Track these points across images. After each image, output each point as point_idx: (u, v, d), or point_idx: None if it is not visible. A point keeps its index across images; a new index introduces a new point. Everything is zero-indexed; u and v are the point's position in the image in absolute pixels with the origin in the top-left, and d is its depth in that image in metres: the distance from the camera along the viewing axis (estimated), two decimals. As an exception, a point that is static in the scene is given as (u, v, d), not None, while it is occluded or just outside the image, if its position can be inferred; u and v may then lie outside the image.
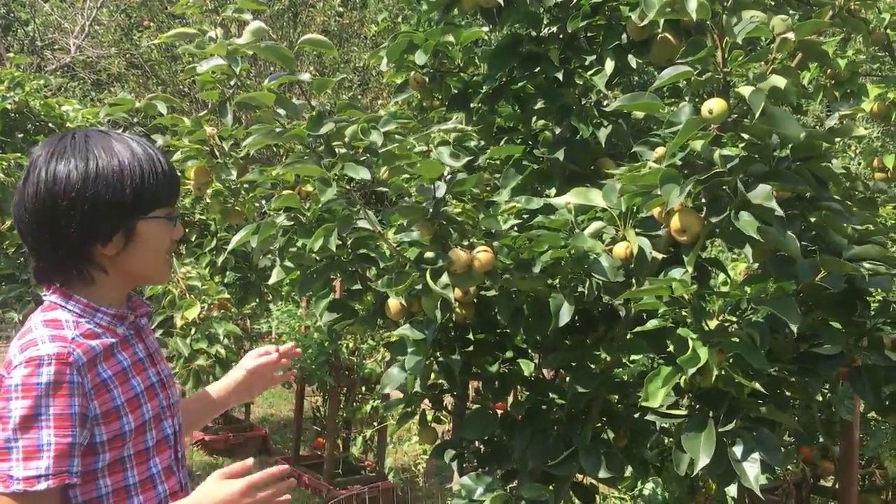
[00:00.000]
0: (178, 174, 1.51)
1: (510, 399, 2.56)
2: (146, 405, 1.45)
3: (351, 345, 5.12)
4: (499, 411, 2.34)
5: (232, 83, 2.14)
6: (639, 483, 3.98)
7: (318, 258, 2.24)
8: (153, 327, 3.68)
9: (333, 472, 5.23)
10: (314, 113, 1.80)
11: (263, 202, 2.66)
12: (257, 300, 4.63)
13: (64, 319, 1.39)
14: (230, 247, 2.22)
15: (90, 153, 1.39)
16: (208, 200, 2.59)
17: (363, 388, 5.33)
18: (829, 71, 3.47)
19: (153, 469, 1.46)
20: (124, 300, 1.51)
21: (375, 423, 5.26)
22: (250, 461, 1.43)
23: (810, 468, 3.60)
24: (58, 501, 1.34)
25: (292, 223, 2.19)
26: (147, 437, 1.45)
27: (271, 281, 2.36)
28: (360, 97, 10.46)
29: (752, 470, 1.75)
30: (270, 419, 7.36)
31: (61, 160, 1.38)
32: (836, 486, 3.37)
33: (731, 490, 3.60)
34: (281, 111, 1.90)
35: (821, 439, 3.29)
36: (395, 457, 5.81)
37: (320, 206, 2.05)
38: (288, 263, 2.29)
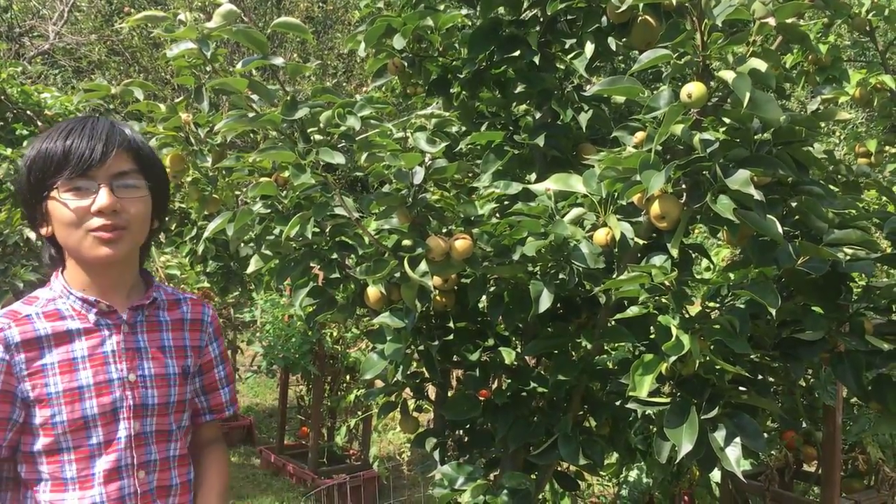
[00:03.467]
0: (100, 147, 1.41)
1: (493, 387, 2.54)
2: (91, 400, 1.40)
3: (335, 333, 5.10)
4: (482, 399, 2.32)
5: (208, 69, 2.10)
6: (624, 469, 3.99)
7: (296, 246, 2.21)
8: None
9: (318, 462, 5.21)
10: (288, 98, 1.76)
11: (244, 190, 2.62)
12: (239, 289, 4.58)
13: (43, 297, 1.45)
14: (205, 235, 2.18)
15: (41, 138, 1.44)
16: (187, 188, 2.55)
17: (347, 377, 5.31)
18: (811, 56, 3.46)
19: (94, 469, 1.41)
20: (114, 286, 1.48)
21: (360, 412, 5.25)
22: None
23: (793, 454, 3.61)
24: None
25: (269, 211, 2.15)
26: (91, 433, 1.40)
27: (250, 270, 2.33)
28: (344, 84, 10.40)
29: (733, 454, 1.74)
30: (255, 408, 7.34)
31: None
32: (819, 472, 3.38)
33: (716, 475, 3.62)
34: (255, 97, 1.86)
35: (804, 425, 3.30)
36: (380, 445, 5.80)
37: (296, 193, 2.01)
38: (266, 252, 2.26)
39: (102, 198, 1.40)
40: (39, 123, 4.53)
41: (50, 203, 1.42)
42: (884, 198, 3.16)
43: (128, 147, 1.45)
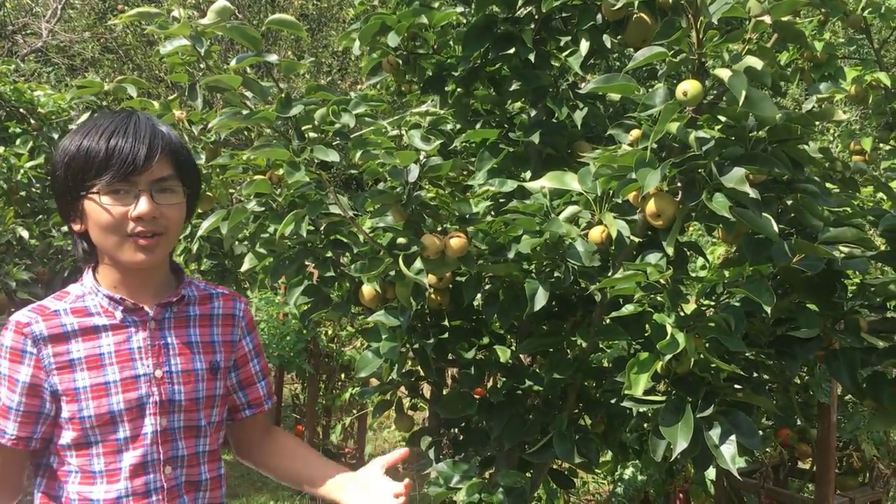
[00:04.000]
0: (145, 153, 1.39)
1: (488, 385, 2.54)
2: (117, 396, 1.41)
3: (330, 332, 5.09)
4: (477, 397, 2.32)
5: (202, 66, 2.09)
6: (618, 467, 4.00)
7: (290, 244, 2.20)
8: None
9: (313, 460, 5.20)
10: (282, 95, 1.76)
11: (238, 188, 2.61)
12: (234, 287, 4.57)
13: (74, 293, 1.46)
14: (199, 233, 2.17)
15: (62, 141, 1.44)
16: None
17: (343, 376, 5.31)
18: (806, 53, 3.46)
19: (120, 463, 1.42)
20: (143, 285, 1.48)
21: (355, 411, 5.24)
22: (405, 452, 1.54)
23: (788, 451, 3.61)
24: (11, 455, 1.42)
25: (263, 209, 2.15)
26: (117, 428, 1.42)
27: (244, 268, 2.32)
28: (339, 82, 10.38)
29: (729, 451, 1.74)
30: (250, 407, 7.32)
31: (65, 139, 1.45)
32: (814, 469, 3.39)
33: (711, 473, 3.62)
34: (249, 94, 1.85)
35: (799, 422, 3.30)
36: (375, 444, 5.80)
37: (291, 191, 2.01)
38: (261, 250, 2.25)
39: (143, 205, 1.39)
40: (32, 121, 4.51)
41: (87, 202, 1.40)
42: (879, 195, 3.17)
43: (169, 151, 1.44)
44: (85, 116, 3.39)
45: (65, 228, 4.41)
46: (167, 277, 1.54)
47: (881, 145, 3.64)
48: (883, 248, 2.12)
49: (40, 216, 4.48)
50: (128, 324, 1.45)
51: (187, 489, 1.50)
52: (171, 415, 1.47)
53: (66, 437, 1.41)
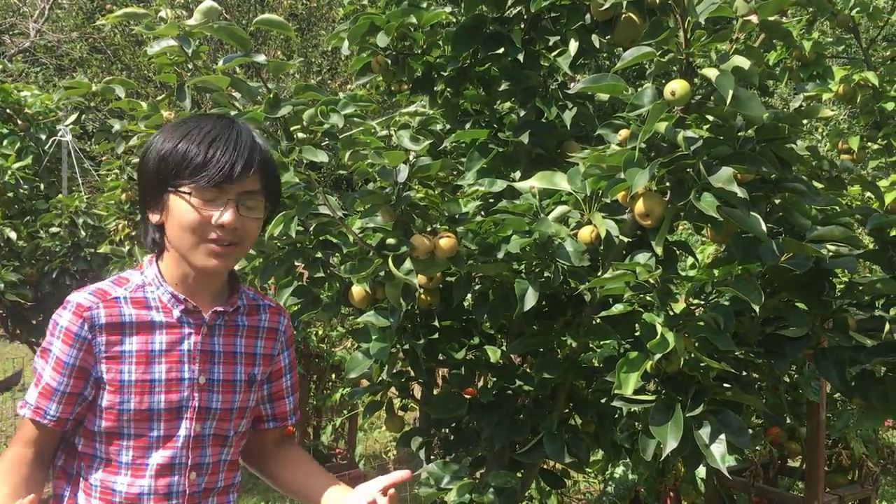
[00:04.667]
0: (243, 159, 1.40)
1: (479, 385, 2.54)
2: (160, 395, 1.42)
3: (320, 332, 5.08)
4: (468, 397, 2.32)
5: (190, 66, 2.08)
6: (609, 466, 4.00)
7: (279, 245, 2.19)
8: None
9: (304, 461, 5.19)
10: (271, 96, 1.75)
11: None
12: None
13: (133, 282, 1.46)
14: (188, 234, 2.16)
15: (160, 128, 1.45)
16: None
17: (333, 376, 5.29)
18: (794, 53, 3.47)
19: (148, 460, 1.43)
20: (202, 287, 1.47)
21: (346, 411, 5.23)
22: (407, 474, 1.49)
23: (777, 449, 3.62)
24: (49, 435, 1.43)
25: (252, 209, 2.14)
26: (153, 426, 1.42)
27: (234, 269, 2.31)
28: (329, 82, 10.37)
29: (718, 450, 1.74)
30: (241, 408, 7.30)
31: (161, 132, 1.46)
32: (803, 467, 3.40)
33: (701, 472, 3.63)
34: (237, 94, 1.84)
35: (788, 421, 3.31)
36: (366, 444, 5.79)
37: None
38: (250, 251, 2.24)
39: (228, 215, 1.39)
40: (19, 122, 4.49)
41: (174, 198, 1.40)
42: (867, 194, 3.18)
43: (262, 167, 1.44)
44: (72, 117, 3.37)
45: (53, 229, 4.38)
46: (224, 284, 1.54)
47: (869, 144, 3.66)
48: (871, 246, 2.13)
49: (28, 217, 4.46)
50: (182, 324, 1.45)
51: (204, 495, 1.50)
52: (205, 422, 1.48)
53: (99, 424, 1.41)
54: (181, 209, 1.39)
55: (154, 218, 1.44)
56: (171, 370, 1.43)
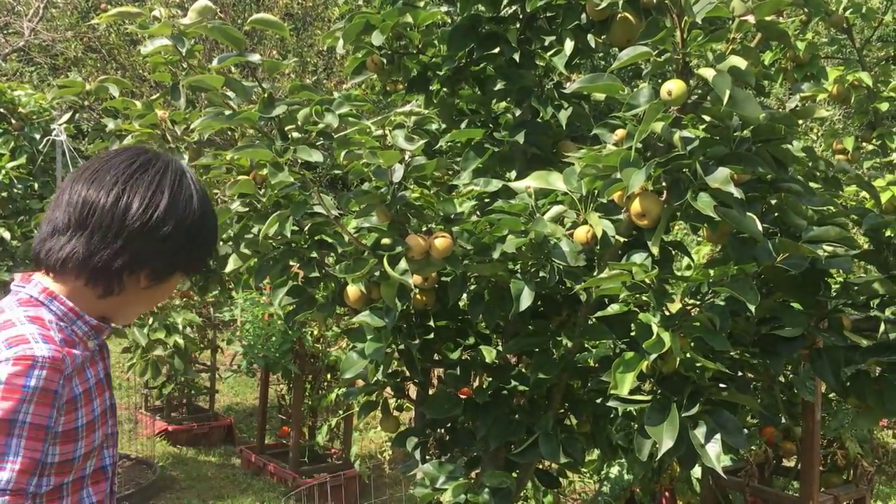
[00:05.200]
0: None
1: (474, 385, 2.53)
2: (98, 431, 1.32)
3: (315, 332, 5.07)
4: (463, 397, 2.31)
5: (185, 65, 2.07)
6: (605, 466, 4.00)
7: (274, 245, 2.19)
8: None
9: (299, 461, 5.18)
10: (265, 95, 1.74)
11: (222, 188, 2.59)
12: (219, 288, 4.54)
13: (47, 320, 1.28)
14: (182, 234, 2.15)
15: (204, 195, 1.37)
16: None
17: (328, 376, 5.28)
18: (789, 53, 3.48)
19: (85, 501, 1.32)
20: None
21: (341, 411, 5.22)
22: None
23: (773, 449, 3.63)
24: None
25: (247, 209, 2.13)
26: (87, 464, 1.31)
27: (228, 269, 2.31)
28: (325, 81, 10.35)
29: (714, 450, 1.74)
30: (235, 408, 7.29)
31: (174, 187, 1.33)
32: (799, 467, 3.40)
33: (696, 471, 3.63)
34: (231, 94, 1.84)
35: (783, 420, 3.31)
36: (362, 444, 5.78)
37: (275, 191, 1.99)
38: (245, 250, 2.23)
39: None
40: (13, 121, 4.47)
41: (175, 279, 1.39)
42: (861, 194, 3.18)
43: None
44: (66, 116, 3.35)
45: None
46: None
47: (863, 144, 3.67)
48: (866, 246, 2.13)
49: (22, 217, 4.44)
50: (94, 353, 1.36)
51: None
52: (115, 447, 1.41)
53: (47, 482, 1.25)
54: (168, 287, 1.39)
55: (141, 280, 1.33)
56: (102, 403, 1.34)
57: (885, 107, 3.51)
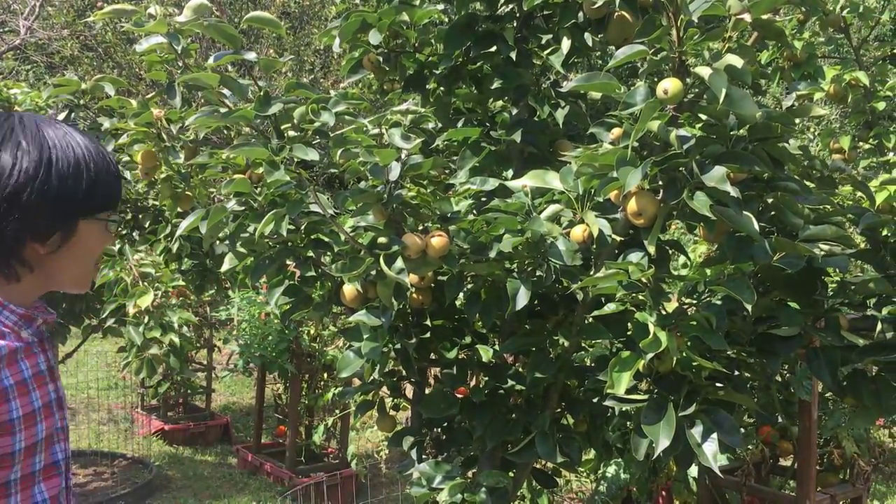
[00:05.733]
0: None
1: (471, 385, 2.53)
2: (41, 423, 1.29)
3: (312, 331, 5.07)
4: (460, 396, 2.31)
5: (181, 64, 2.07)
6: (601, 465, 4.00)
7: (270, 244, 2.18)
8: (104, 315, 3.58)
9: (296, 460, 5.18)
10: (261, 93, 1.74)
11: (218, 186, 2.58)
12: (215, 287, 4.54)
13: None
14: (178, 233, 2.15)
15: (44, 140, 1.25)
16: (159, 186, 2.52)
17: (325, 375, 5.28)
18: (786, 52, 3.48)
19: (38, 497, 1.30)
20: (34, 304, 1.34)
21: (338, 411, 5.22)
22: None
23: (769, 448, 3.63)
24: None
25: (243, 208, 2.13)
26: (35, 459, 1.28)
27: (224, 268, 2.30)
28: (321, 80, 10.34)
29: (710, 449, 1.74)
30: (232, 407, 7.29)
31: (7, 144, 1.24)
32: (795, 466, 3.40)
33: (693, 471, 3.63)
34: (227, 92, 1.83)
35: (780, 420, 3.32)
36: (358, 444, 5.78)
37: (271, 190, 1.99)
38: (241, 249, 2.23)
39: (111, 236, 1.37)
40: (9, 120, 4.45)
41: (87, 226, 1.31)
42: (858, 193, 3.19)
43: None
44: (62, 116, 3.34)
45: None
46: None
47: (860, 144, 3.67)
48: (862, 245, 2.12)
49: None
50: (31, 344, 1.32)
51: None
52: (67, 441, 1.38)
53: None
54: (93, 236, 1.32)
55: (44, 250, 1.28)
56: (44, 395, 1.30)
57: (881, 106, 3.51)
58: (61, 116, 3.82)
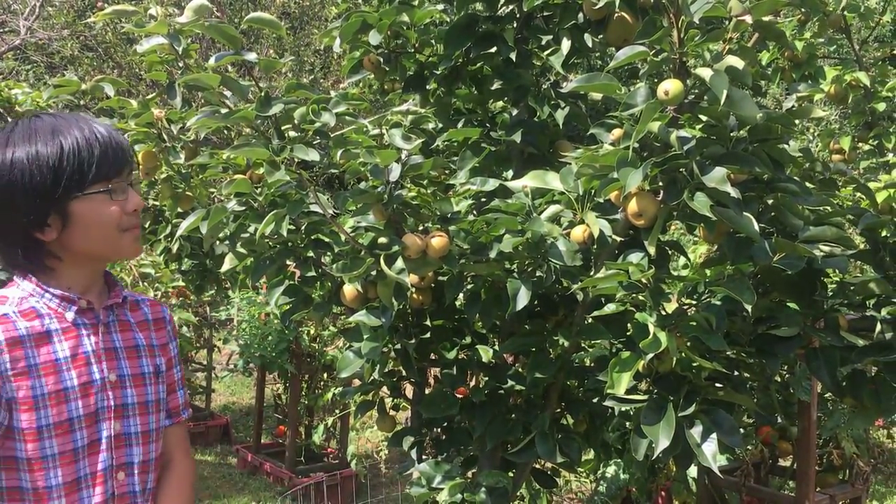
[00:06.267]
0: (125, 146, 1.42)
1: (471, 385, 2.53)
2: (76, 402, 1.37)
3: (312, 331, 5.07)
4: (460, 396, 2.31)
5: (181, 64, 2.07)
6: (601, 465, 4.00)
7: (271, 244, 2.18)
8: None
9: (295, 460, 5.18)
10: (262, 94, 1.74)
11: (218, 187, 2.59)
12: (215, 287, 4.54)
13: (12, 296, 1.39)
14: (178, 233, 2.15)
15: (10, 141, 1.36)
16: (160, 186, 2.52)
17: (325, 375, 5.28)
18: (786, 53, 3.48)
19: (81, 472, 1.38)
20: (93, 283, 1.45)
21: (337, 411, 5.22)
22: None
23: (769, 449, 3.64)
24: None
25: (244, 208, 2.13)
26: (76, 436, 1.37)
27: (224, 268, 2.30)
28: (321, 80, 10.35)
29: (710, 449, 1.74)
30: (232, 407, 7.29)
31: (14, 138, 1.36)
32: (795, 466, 3.41)
33: (692, 471, 3.64)
34: (228, 93, 1.83)
35: (779, 420, 3.32)
36: (358, 444, 5.78)
37: (271, 190, 1.99)
38: (241, 250, 2.23)
39: (135, 196, 1.41)
40: (10, 120, 4.46)
41: (79, 204, 1.37)
42: (858, 194, 3.19)
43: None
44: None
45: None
46: (103, 281, 1.52)
47: (860, 145, 3.67)
48: (862, 246, 2.13)
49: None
50: (78, 326, 1.41)
51: (139, 496, 1.47)
52: (125, 419, 1.45)
53: (21, 448, 1.33)
54: (94, 211, 1.37)
55: (49, 236, 1.37)
56: (81, 374, 1.38)
57: (882, 107, 3.51)
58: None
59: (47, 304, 1.39)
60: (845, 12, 3.54)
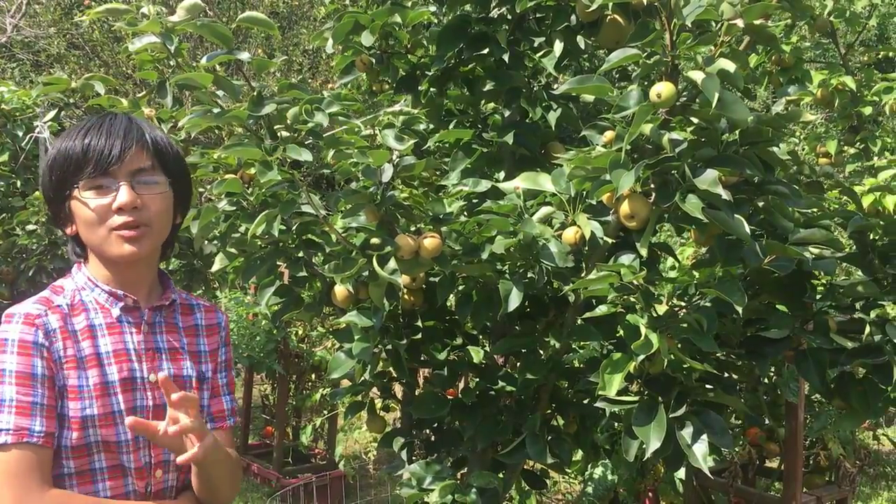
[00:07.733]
0: (125, 146, 1.41)
1: (461, 386, 2.53)
2: (117, 397, 1.40)
3: (300, 332, 5.06)
4: (450, 397, 2.31)
5: (171, 63, 2.06)
6: (589, 466, 4.01)
7: (262, 244, 2.18)
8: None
9: (283, 461, 5.16)
10: (254, 94, 1.74)
11: (208, 187, 2.57)
12: (203, 287, 4.52)
13: (67, 287, 1.45)
14: (169, 233, 2.13)
15: (41, 146, 1.48)
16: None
17: (313, 376, 5.27)
18: (774, 57, 3.50)
19: (126, 463, 1.42)
20: (137, 282, 1.47)
21: (325, 411, 5.21)
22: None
23: (756, 450, 3.65)
24: (43, 457, 1.33)
25: (234, 208, 2.12)
26: (119, 430, 1.40)
27: (214, 268, 2.29)
28: (309, 80, 10.32)
29: (700, 450, 1.75)
30: (219, 408, 7.25)
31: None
32: (782, 467, 3.42)
33: (680, 472, 3.65)
34: (220, 92, 1.83)
35: (767, 421, 3.34)
36: (346, 444, 5.77)
37: (262, 190, 1.98)
38: (231, 250, 2.22)
39: (123, 195, 1.39)
40: (-4, 118, 4.42)
41: (73, 202, 1.42)
42: (844, 197, 3.22)
43: (147, 143, 1.44)
44: (51, 114, 3.33)
45: (29, 227, 4.33)
46: (156, 282, 1.53)
47: (846, 148, 3.70)
48: (849, 249, 2.14)
49: (4, 214, 4.39)
50: (122, 323, 1.45)
51: (177, 493, 1.50)
52: (165, 419, 1.45)
53: (68, 436, 1.36)
54: (82, 209, 1.41)
55: (69, 230, 1.46)
56: (121, 370, 1.41)
57: (868, 110, 3.54)
58: (50, 115, 3.81)
59: (96, 299, 1.44)
60: (832, 17, 3.57)
